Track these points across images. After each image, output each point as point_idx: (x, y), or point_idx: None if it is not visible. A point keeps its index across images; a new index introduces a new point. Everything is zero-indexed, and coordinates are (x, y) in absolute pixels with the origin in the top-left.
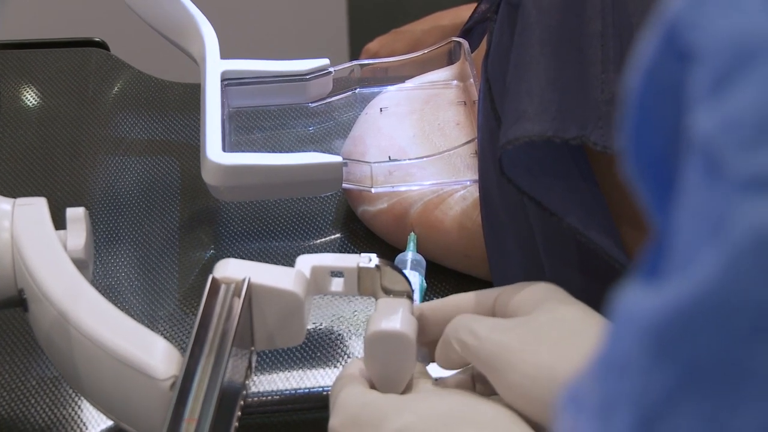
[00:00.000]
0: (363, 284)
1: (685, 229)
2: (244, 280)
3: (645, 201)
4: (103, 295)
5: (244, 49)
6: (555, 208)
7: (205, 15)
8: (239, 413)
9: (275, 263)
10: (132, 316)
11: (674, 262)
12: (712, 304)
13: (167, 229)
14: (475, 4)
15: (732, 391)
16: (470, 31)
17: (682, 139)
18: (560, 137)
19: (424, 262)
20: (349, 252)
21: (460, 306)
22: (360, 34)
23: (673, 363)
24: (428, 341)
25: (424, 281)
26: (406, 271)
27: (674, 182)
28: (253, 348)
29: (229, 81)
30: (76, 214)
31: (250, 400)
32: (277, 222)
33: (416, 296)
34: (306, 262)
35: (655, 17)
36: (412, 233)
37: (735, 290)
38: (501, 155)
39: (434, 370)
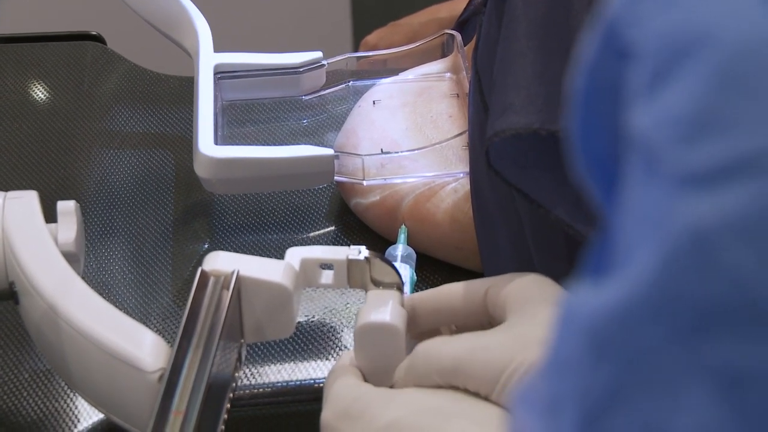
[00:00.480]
0: (353, 276)
1: (626, 227)
2: (232, 272)
3: (594, 199)
4: (97, 288)
5: (247, 43)
6: (542, 200)
7: (212, 9)
8: (228, 405)
9: (270, 256)
10: (125, 309)
11: (616, 261)
12: (650, 303)
13: (161, 222)
14: None
15: (672, 389)
16: (466, 23)
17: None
18: (547, 129)
19: (414, 255)
20: (342, 244)
21: (450, 296)
22: (363, 28)
23: (613, 362)
24: (420, 332)
25: (414, 273)
26: (396, 264)
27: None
28: (242, 340)
29: (222, 74)
30: (66, 207)
31: (241, 392)
32: (272, 215)
33: (406, 288)
34: (295, 255)
35: (596, 16)
36: (403, 226)
37: (672, 288)
38: (488, 147)
39: None
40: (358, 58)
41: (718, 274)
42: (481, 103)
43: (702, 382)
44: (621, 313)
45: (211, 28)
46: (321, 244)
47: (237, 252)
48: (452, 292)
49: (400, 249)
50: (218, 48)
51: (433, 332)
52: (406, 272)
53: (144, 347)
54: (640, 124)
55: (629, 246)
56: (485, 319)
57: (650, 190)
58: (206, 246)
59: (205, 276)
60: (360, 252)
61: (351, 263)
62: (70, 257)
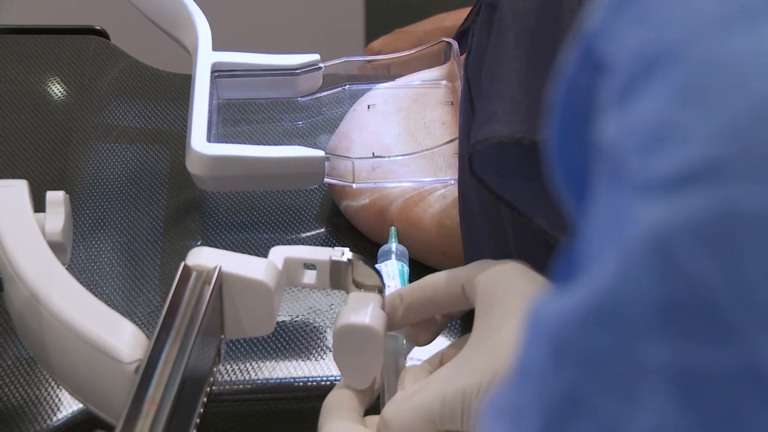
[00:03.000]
0: (335, 277)
1: (592, 234)
2: (215, 268)
3: (570, 209)
4: (84, 280)
5: (260, 45)
6: (524, 209)
7: (230, 12)
8: (205, 399)
9: (259, 255)
10: (112, 302)
11: (582, 266)
12: (607, 306)
13: (153, 217)
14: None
15: (630, 390)
16: (466, 33)
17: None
18: (529, 139)
19: (407, 252)
20: (332, 246)
21: (434, 288)
22: (376, 34)
23: (572, 367)
24: (407, 324)
25: (406, 266)
26: (390, 262)
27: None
28: (222, 336)
29: (219, 73)
30: (55, 197)
31: (222, 387)
32: (263, 214)
33: (399, 282)
34: (279, 254)
35: (576, 31)
36: (393, 226)
37: (629, 291)
38: (471, 155)
39: (418, 354)
40: (356, 62)
41: (675, 277)
42: (471, 110)
43: (659, 383)
44: (579, 318)
45: (228, 31)
46: (311, 244)
47: (227, 250)
48: (435, 284)
49: (394, 246)
50: (236, 49)
51: (426, 322)
52: (397, 268)
53: (122, 338)
54: (608, 133)
55: (593, 252)
56: (469, 305)
57: (615, 198)
58: (198, 243)
59: (187, 270)
60: (343, 254)
61: (334, 264)
62: (56, 247)
